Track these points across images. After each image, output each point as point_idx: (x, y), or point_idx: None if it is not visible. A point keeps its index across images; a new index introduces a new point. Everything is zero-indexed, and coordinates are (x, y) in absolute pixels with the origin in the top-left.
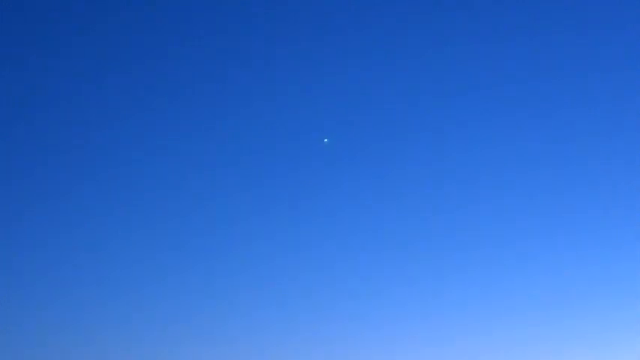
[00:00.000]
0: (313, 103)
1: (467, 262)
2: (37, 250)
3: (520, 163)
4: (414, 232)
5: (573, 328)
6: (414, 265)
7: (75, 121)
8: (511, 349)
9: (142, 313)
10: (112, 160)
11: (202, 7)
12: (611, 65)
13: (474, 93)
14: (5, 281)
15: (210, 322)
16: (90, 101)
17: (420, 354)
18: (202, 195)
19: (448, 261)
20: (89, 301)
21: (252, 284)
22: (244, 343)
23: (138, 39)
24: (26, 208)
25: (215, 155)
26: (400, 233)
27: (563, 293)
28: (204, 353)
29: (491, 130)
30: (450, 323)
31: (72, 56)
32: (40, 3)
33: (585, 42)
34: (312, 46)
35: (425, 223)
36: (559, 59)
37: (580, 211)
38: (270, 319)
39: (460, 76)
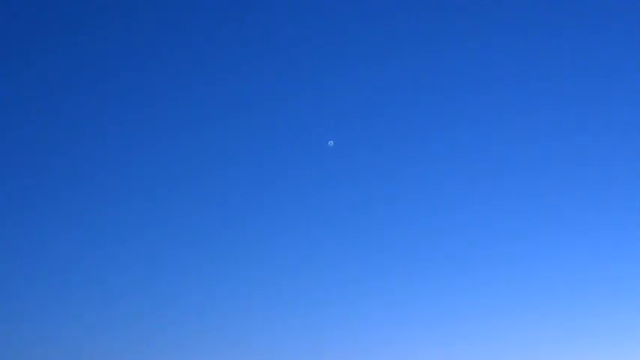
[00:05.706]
0: (318, 106)
1: (468, 262)
2: (37, 250)
3: (521, 164)
4: (416, 233)
5: (574, 329)
6: (417, 265)
7: (75, 121)
8: (512, 349)
9: (143, 313)
10: (114, 160)
11: (208, 7)
12: (612, 65)
13: (476, 95)
14: (5, 281)
15: (212, 323)
16: (93, 100)
17: (421, 354)
18: (207, 197)
19: (450, 261)
20: (90, 302)
21: (255, 285)
22: (246, 344)
23: (139, 39)
24: (27, 208)
25: (219, 157)
26: (403, 234)
27: (564, 293)
28: (206, 354)
29: (492, 131)
30: (451, 323)
31: (73, 56)
32: (40, 3)
33: (585, 42)
34: (316, 47)
35: (427, 223)
36: (560, 60)
37: (581, 211)
38: (271, 320)
39: (463, 78)
